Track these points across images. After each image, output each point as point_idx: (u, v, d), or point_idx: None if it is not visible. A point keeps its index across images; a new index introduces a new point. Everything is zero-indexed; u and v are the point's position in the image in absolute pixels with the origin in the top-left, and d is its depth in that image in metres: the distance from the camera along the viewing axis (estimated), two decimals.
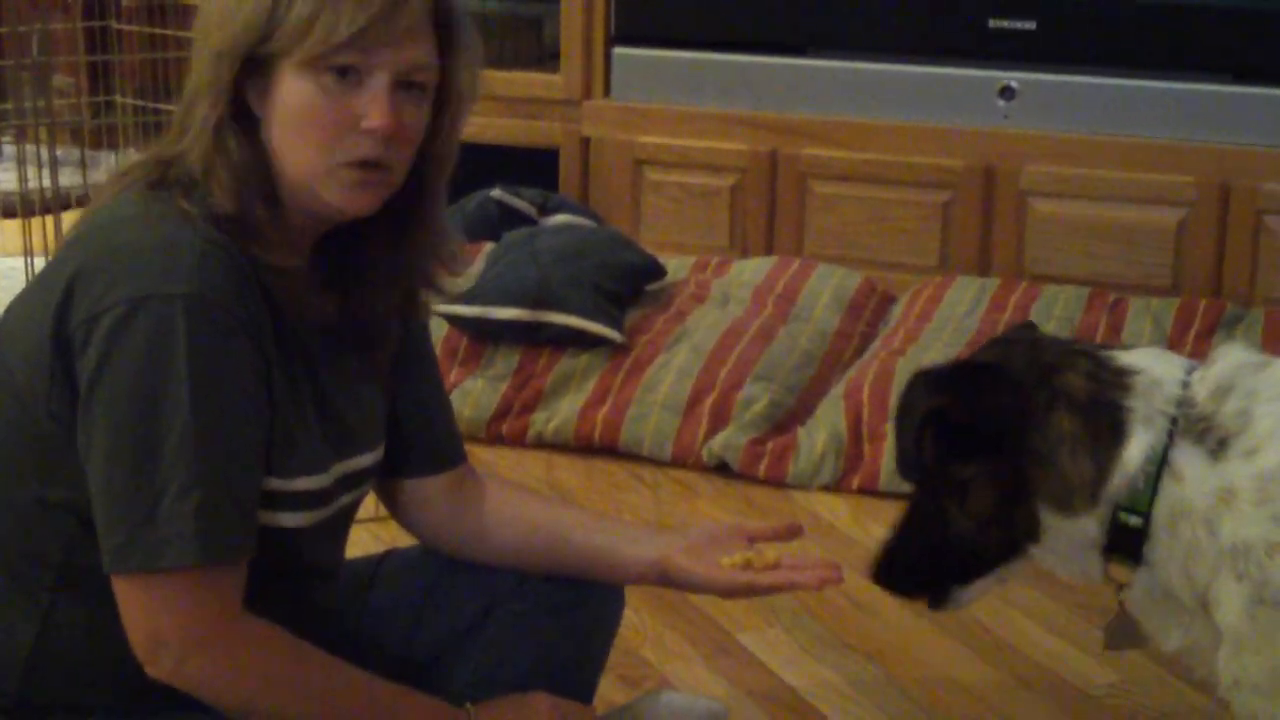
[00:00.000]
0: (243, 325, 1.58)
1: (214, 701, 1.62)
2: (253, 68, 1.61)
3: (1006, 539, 1.73)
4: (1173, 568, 1.65)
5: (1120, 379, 1.67)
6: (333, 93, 1.60)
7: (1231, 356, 1.68)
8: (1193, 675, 1.77)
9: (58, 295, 1.57)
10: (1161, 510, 1.64)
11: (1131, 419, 1.64)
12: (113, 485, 1.55)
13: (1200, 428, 1.63)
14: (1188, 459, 1.63)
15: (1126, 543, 1.67)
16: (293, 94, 1.60)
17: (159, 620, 1.58)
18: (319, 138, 1.61)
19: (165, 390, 1.54)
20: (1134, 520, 1.65)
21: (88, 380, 1.55)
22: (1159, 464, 1.63)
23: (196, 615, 1.58)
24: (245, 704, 1.63)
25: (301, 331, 1.68)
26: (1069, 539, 1.70)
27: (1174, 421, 1.64)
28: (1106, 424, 1.65)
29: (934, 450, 1.73)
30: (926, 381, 1.76)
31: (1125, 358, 1.70)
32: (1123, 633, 1.80)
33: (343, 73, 1.60)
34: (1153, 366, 1.68)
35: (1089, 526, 1.67)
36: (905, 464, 1.77)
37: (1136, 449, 1.64)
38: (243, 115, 1.62)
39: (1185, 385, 1.66)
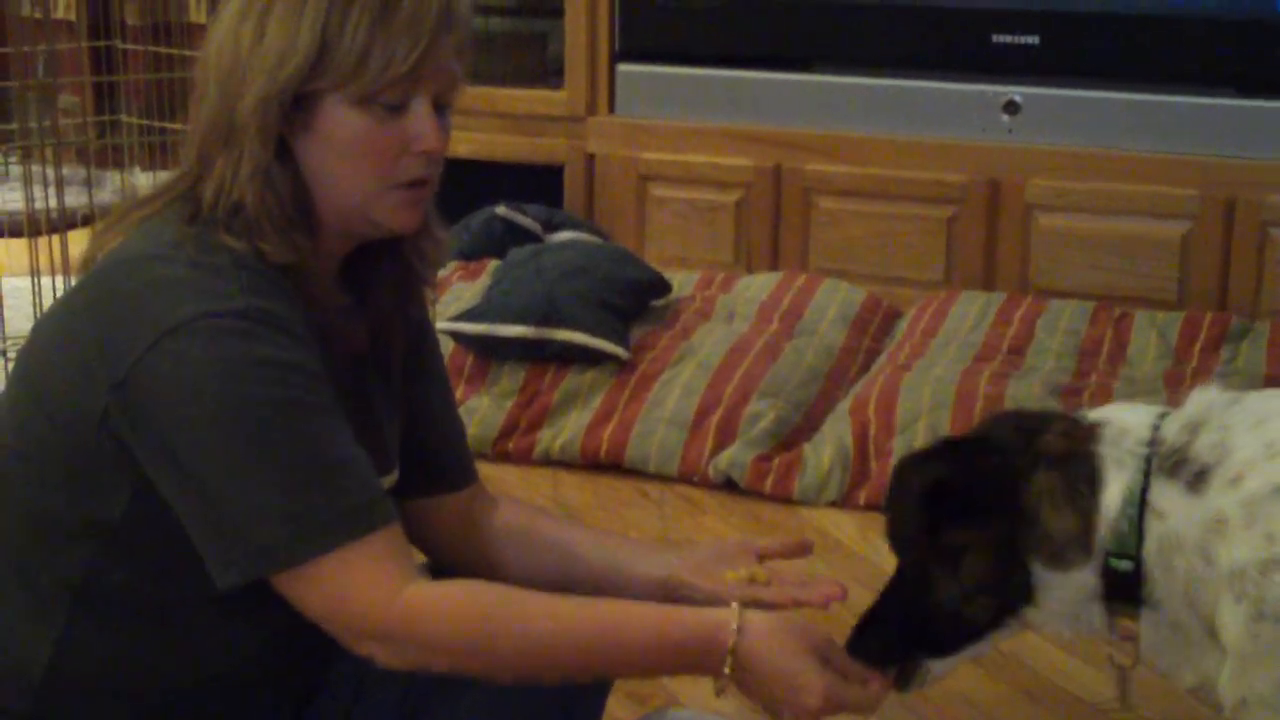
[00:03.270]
0: (299, 335, 1.58)
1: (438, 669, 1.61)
2: (293, 103, 1.60)
3: (998, 604, 1.74)
4: (1176, 602, 1.67)
5: (1091, 431, 1.71)
6: (383, 120, 1.61)
7: (1203, 397, 1.71)
8: (1209, 703, 1.77)
9: (103, 322, 1.56)
10: (1151, 549, 1.66)
11: (1103, 465, 1.68)
12: (239, 493, 1.53)
13: (1173, 462, 1.66)
14: (1165, 494, 1.65)
15: (1123, 588, 1.68)
16: (343, 126, 1.61)
17: (351, 600, 1.56)
18: (374, 165, 1.63)
19: (252, 389, 1.53)
20: (1124, 565, 1.67)
21: (167, 404, 1.53)
22: (1139, 505, 1.66)
23: (390, 582, 1.56)
24: (463, 663, 1.61)
25: (334, 363, 1.67)
26: (1068, 594, 1.71)
27: (1147, 460, 1.67)
28: (1083, 474, 1.69)
29: (928, 521, 1.73)
30: (918, 462, 1.79)
31: (1096, 413, 1.74)
32: (1129, 691, 1.82)
33: (395, 104, 1.62)
34: (1121, 417, 1.72)
35: (1087, 578, 1.69)
36: (903, 542, 1.78)
37: (1113, 493, 1.67)
38: (280, 149, 1.62)
39: (1155, 429, 1.69)
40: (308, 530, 1.55)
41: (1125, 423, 1.71)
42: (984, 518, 1.71)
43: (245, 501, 1.54)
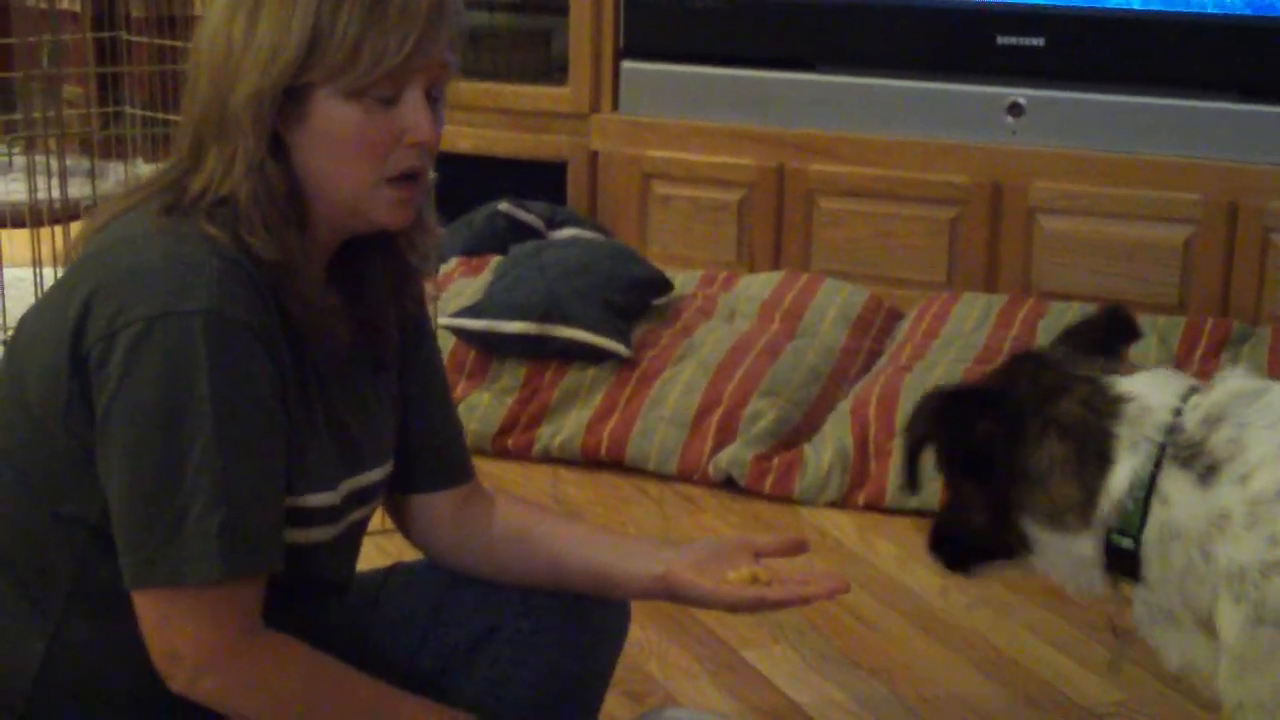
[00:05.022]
0: (260, 340, 1.58)
1: (229, 715, 1.63)
2: (285, 97, 1.60)
3: (1006, 544, 1.81)
4: (1169, 589, 1.69)
5: (1113, 406, 1.71)
6: (376, 112, 1.61)
7: (1229, 384, 1.71)
8: (1198, 695, 1.78)
9: (74, 312, 1.57)
10: (1151, 534, 1.68)
11: (1117, 445, 1.69)
12: (135, 501, 1.55)
13: (1188, 454, 1.67)
14: (1174, 484, 1.67)
15: (1123, 563, 1.71)
16: (335, 119, 1.60)
17: (177, 636, 1.58)
18: (366, 158, 1.62)
19: (186, 406, 1.54)
20: (1125, 542, 1.70)
21: (107, 398, 1.55)
22: (1146, 489, 1.67)
23: (215, 631, 1.58)
24: (259, 718, 1.63)
25: (317, 352, 1.68)
26: (1064, 554, 1.75)
27: (1162, 448, 1.67)
28: (1093, 450, 1.70)
29: (940, 464, 1.81)
30: (928, 405, 1.82)
31: (1124, 384, 1.73)
32: (1126, 653, 1.84)
33: (387, 96, 1.61)
34: (1148, 393, 1.72)
35: (1084, 546, 1.73)
36: (903, 480, 1.87)
37: (1121, 474, 1.68)
38: (274, 143, 1.62)
39: (1178, 412, 1.69)
40: (239, 553, 1.56)
41: (1149, 401, 1.71)
42: (984, 473, 1.77)
43: (142, 511, 1.55)
